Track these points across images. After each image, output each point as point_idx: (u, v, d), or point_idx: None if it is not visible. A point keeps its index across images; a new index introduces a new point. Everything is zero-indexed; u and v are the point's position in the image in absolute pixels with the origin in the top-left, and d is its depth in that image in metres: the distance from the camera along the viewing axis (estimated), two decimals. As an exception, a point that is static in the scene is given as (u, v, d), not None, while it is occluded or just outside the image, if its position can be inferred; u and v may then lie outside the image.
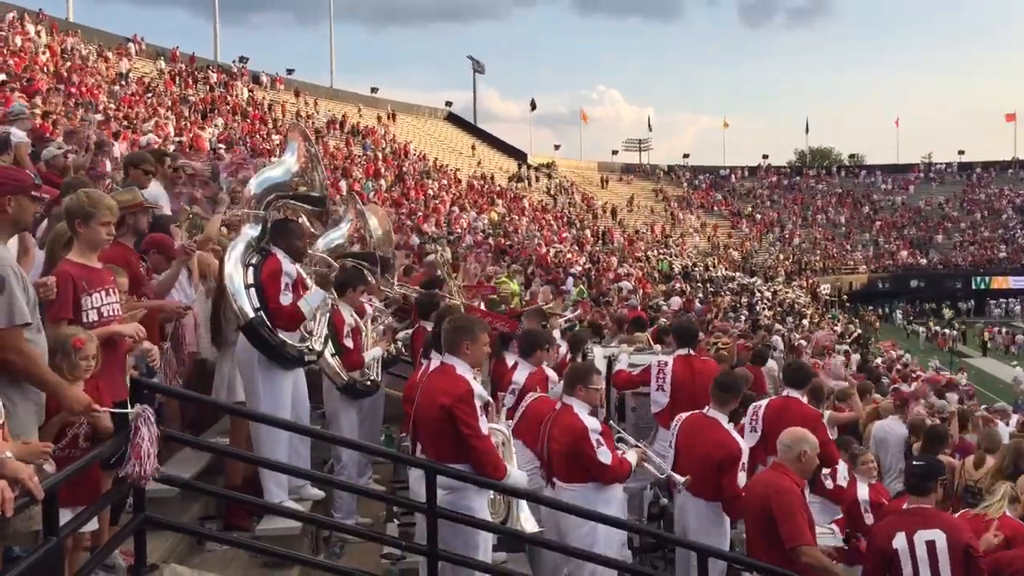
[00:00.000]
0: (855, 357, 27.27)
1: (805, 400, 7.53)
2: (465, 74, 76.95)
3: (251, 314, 5.86)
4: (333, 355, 6.80)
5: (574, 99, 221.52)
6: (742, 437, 6.71)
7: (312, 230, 7.39)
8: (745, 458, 6.34)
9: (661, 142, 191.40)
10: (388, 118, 54.72)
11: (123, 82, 33.53)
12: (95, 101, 26.91)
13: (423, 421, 5.30)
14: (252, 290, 5.91)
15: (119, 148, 16.77)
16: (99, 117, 23.25)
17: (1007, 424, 14.17)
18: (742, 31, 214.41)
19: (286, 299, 5.98)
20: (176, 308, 6.24)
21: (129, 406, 4.36)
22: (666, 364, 8.00)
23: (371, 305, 7.88)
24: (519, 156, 64.25)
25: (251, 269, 5.98)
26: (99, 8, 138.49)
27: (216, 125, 31.99)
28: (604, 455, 5.88)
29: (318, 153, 6.70)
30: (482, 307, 10.14)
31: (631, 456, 6.13)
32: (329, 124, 44.66)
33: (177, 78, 39.24)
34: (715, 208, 70.03)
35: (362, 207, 8.09)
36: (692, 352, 8.24)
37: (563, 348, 9.06)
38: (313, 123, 41.94)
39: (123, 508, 4.88)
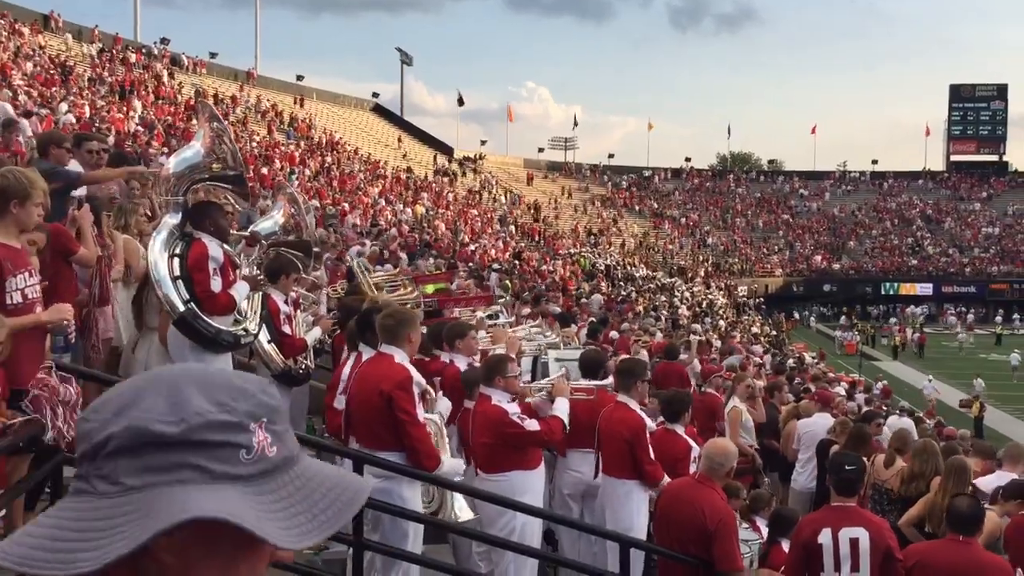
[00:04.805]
0: (768, 358, 28.03)
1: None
2: (393, 66, 76.08)
3: (181, 308, 5.70)
4: (269, 342, 6.70)
5: (503, 95, 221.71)
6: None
7: (237, 208, 7.24)
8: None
9: (587, 141, 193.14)
10: (296, 103, 53.02)
11: (37, 58, 32.36)
12: (8, 77, 25.93)
13: (359, 409, 5.29)
14: (180, 282, 5.74)
15: (30, 126, 16.23)
16: (8, 94, 22.41)
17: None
18: (671, 35, 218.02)
19: (216, 284, 5.82)
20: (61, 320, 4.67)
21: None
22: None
23: (296, 292, 7.78)
24: (445, 150, 64.02)
25: (176, 260, 5.79)
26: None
27: (135, 108, 31.10)
28: (531, 425, 5.94)
29: (224, 127, 6.55)
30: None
31: (560, 407, 6.14)
32: (262, 113, 43.81)
33: (105, 61, 37.96)
34: (638, 208, 70.94)
35: (293, 191, 7.95)
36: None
37: None
38: (238, 109, 41.09)
39: (40, 495, 4.75)
